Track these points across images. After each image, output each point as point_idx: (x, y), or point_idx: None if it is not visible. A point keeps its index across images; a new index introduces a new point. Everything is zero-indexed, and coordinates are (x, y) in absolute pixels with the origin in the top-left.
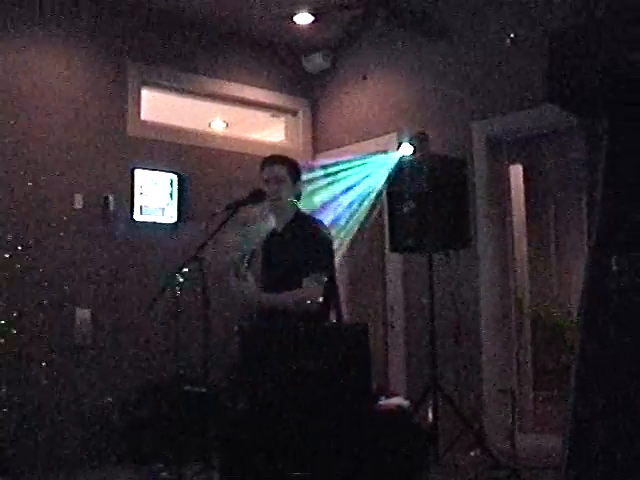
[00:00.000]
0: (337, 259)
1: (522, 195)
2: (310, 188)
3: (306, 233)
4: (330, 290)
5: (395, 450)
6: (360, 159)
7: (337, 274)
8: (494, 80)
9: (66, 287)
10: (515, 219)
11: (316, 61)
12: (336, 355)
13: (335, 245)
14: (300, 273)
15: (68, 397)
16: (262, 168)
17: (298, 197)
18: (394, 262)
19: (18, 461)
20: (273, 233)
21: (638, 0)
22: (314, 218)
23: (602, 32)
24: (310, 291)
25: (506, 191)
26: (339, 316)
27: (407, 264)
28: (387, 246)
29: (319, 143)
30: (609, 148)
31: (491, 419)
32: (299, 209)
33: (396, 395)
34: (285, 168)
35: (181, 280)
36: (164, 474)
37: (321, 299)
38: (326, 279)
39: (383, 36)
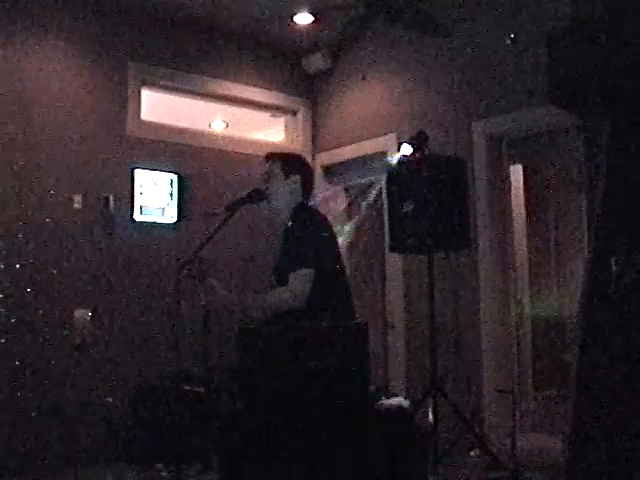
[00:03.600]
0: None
1: (522, 195)
2: None
3: (297, 227)
4: (327, 285)
5: (395, 450)
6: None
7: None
8: (494, 80)
9: (66, 287)
10: (515, 219)
11: (316, 61)
12: (336, 355)
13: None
14: (287, 271)
15: (68, 397)
16: None
17: (300, 192)
18: (394, 262)
19: (18, 460)
20: (284, 230)
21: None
22: (309, 210)
23: (602, 31)
24: (288, 291)
25: (506, 191)
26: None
27: (407, 264)
28: (387, 246)
29: (319, 143)
30: (610, 148)
31: (491, 419)
32: (300, 204)
33: (396, 395)
34: (275, 164)
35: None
36: (164, 474)
37: (301, 299)
38: (311, 274)
39: (383, 36)
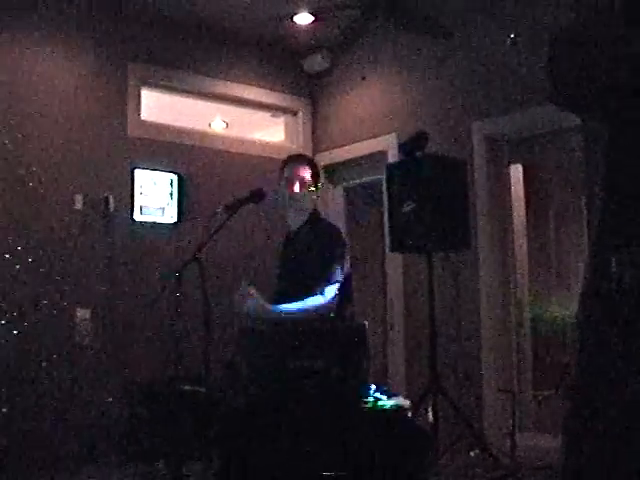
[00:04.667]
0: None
1: (522, 195)
2: None
3: (320, 238)
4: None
5: (395, 450)
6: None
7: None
8: (494, 80)
9: (66, 287)
10: (515, 219)
11: (316, 61)
12: (335, 355)
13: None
14: (312, 281)
15: (68, 397)
16: (285, 165)
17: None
18: (394, 262)
19: (18, 460)
20: (287, 236)
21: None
22: (329, 222)
23: (602, 31)
24: (322, 303)
25: (506, 191)
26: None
27: (407, 264)
28: (387, 246)
29: (319, 143)
30: (609, 147)
31: (491, 419)
32: (314, 211)
33: (396, 395)
34: (310, 170)
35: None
36: (164, 474)
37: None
38: (337, 290)
39: (383, 36)
